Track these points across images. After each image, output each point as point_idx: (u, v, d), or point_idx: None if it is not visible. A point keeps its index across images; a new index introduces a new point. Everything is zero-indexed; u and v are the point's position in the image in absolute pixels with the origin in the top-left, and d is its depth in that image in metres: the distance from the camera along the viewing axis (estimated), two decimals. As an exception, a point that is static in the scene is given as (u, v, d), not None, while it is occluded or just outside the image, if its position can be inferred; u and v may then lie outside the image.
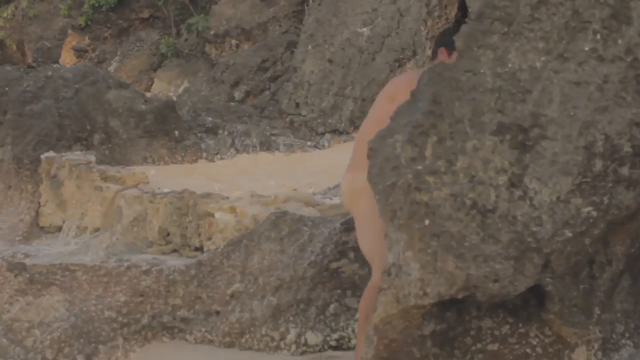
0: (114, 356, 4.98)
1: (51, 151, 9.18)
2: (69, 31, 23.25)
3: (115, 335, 5.06)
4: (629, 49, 3.49)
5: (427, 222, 3.32)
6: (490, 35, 3.54)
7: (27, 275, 5.21)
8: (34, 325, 4.91)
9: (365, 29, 12.30)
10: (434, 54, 4.78)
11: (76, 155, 8.92)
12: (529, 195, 3.37)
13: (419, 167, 3.37)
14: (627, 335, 3.68)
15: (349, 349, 4.79)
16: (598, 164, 3.39)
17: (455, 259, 3.28)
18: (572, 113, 3.43)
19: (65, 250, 7.27)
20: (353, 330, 4.83)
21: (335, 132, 12.04)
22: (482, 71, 3.51)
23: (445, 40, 4.75)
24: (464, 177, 3.37)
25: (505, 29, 3.54)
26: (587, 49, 3.50)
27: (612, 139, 3.40)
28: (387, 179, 3.44)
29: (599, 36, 3.52)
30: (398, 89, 4.56)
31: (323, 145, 11.75)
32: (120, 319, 5.12)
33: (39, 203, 9.00)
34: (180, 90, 16.03)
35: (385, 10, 12.46)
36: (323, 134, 12.23)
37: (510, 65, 3.51)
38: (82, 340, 4.94)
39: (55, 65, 13.47)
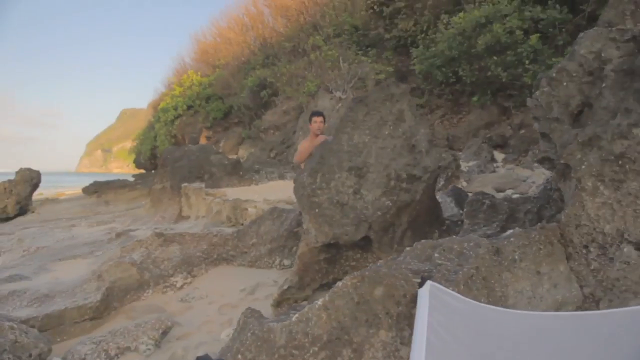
0: (200, 272, 4.91)
1: (186, 183, 9.19)
2: (203, 129, 23.26)
3: (201, 262, 5.00)
4: (404, 132, 3.52)
5: (316, 210, 3.38)
6: (345, 128, 3.55)
7: (163, 237, 5.18)
8: (164, 259, 4.86)
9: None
10: (310, 120, 4.68)
11: (196, 184, 8.95)
12: (363, 197, 3.42)
13: (314, 186, 3.42)
14: (407, 257, 3.61)
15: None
16: (392, 183, 3.43)
17: (329, 226, 3.34)
18: (380, 161, 3.46)
19: (188, 226, 7.24)
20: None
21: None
22: (342, 143, 3.52)
23: (311, 114, 4.72)
24: (333, 190, 3.42)
25: (353, 125, 3.55)
26: (386, 132, 3.52)
27: (398, 171, 3.44)
28: (300, 191, 3.48)
29: (391, 127, 3.53)
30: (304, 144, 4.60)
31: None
32: (204, 255, 5.06)
33: (181, 206, 8.98)
34: (247, 154, 15.98)
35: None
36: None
37: (354, 140, 3.52)
38: (186, 265, 4.90)
39: (189, 145, 13.46)
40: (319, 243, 3.37)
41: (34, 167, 14.11)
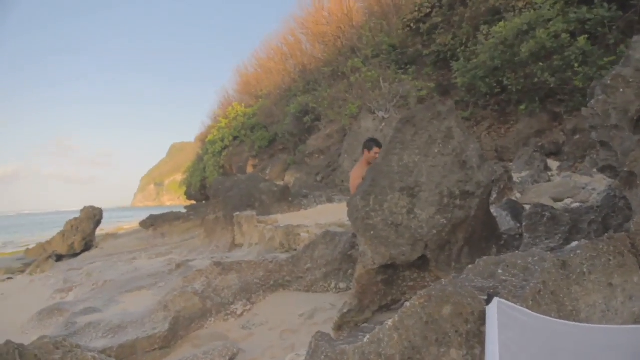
0: (258, 298, 5.02)
1: (237, 212, 9.42)
2: (249, 158, 23.93)
3: (259, 289, 5.11)
4: (454, 149, 3.52)
5: (372, 232, 3.42)
6: (395, 149, 3.60)
7: (222, 266, 5.32)
8: (224, 288, 5.00)
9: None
10: (362, 152, 4.76)
11: (247, 212, 9.15)
12: (417, 217, 3.43)
13: (367, 209, 3.47)
14: (466, 274, 3.57)
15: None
16: (445, 200, 3.43)
17: (385, 247, 3.37)
18: (432, 179, 3.47)
19: (243, 254, 7.43)
20: (359, 281, 4.82)
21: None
22: (392, 165, 3.57)
23: (365, 146, 4.76)
24: (387, 211, 3.45)
25: (402, 146, 3.59)
26: (436, 151, 3.52)
27: (450, 189, 3.44)
28: (354, 215, 3.53)
29: (441, 145, 3.53)
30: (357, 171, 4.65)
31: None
32: (261, 282, 5.17)
33: (234, 235, 9.20)
34: (294, 179, 16.17)
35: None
36: (356, 192, 11.82)
37: (404, 161, 3.55)
38: (244, 292, 5.02)
39: (238, 175, 13.86)
40: (376, 265, 3.40)
41: (94, 205, 15.06)
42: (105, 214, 15.81)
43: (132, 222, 27.57)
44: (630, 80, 1.92)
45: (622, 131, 1.92)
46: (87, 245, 13.97)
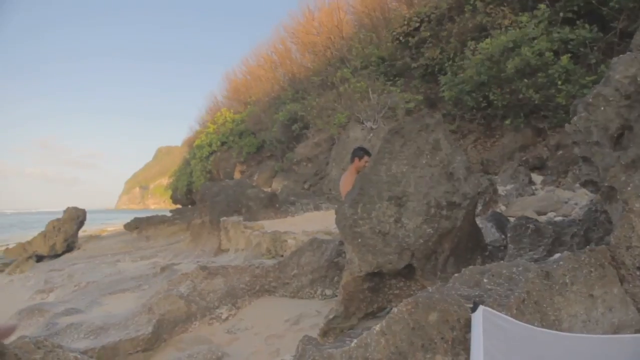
0: (244, 303, 4.98)
1: (224, 217, 9.37)
2: (237, 164, 23.81)
3: (245, 294, 5.06)
4: (441, 161, 3.56)
5: (359, 240, 3.43)
6: (383, 159, 3.63)
7: (208, 270, 5.28)
8: (209, 292, 4.96)
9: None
10: (352, 160, 4.84)
11: (234, 218, 9.10)
12: (404, 226, 3.44)
13: (355, 217, 3.48)
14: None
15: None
16: (432, 210, 3.46)
17: (372, 255, 3.38)
18: (420, 189, 3.49)
19: (229, 259, 7.37)
20: (344, 288, 4.83)
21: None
22: (381, 174, 3.58)
23: (355, 154, 4.85)
24: (375, 220, 3.46)
25: (390, 156, 3.62)
26: (424, 162, 3.55)
27: (437, 199, 3.47)
28: (342, 222, 3.54)
29: (428, 156, 3.57)
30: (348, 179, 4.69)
31: (343, 206, 11.57)
32: (247, 287, 5.13)
33: (220, 239, 9.13)
34: (281, 186, 16.11)
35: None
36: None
37: (392, 171, 3.58)
38: (230, 297, 4.98)
39: (226, 180, 13.76)
40: (363, 272, 3.41)
41: (77, 206, 14.81)
42: (88, 216, 15.56)
43: (116, 225, 27.17)
44: (610, 99, 1.99)
45: (603, 147, 1.99)
46: (69, 247, 13.72)
